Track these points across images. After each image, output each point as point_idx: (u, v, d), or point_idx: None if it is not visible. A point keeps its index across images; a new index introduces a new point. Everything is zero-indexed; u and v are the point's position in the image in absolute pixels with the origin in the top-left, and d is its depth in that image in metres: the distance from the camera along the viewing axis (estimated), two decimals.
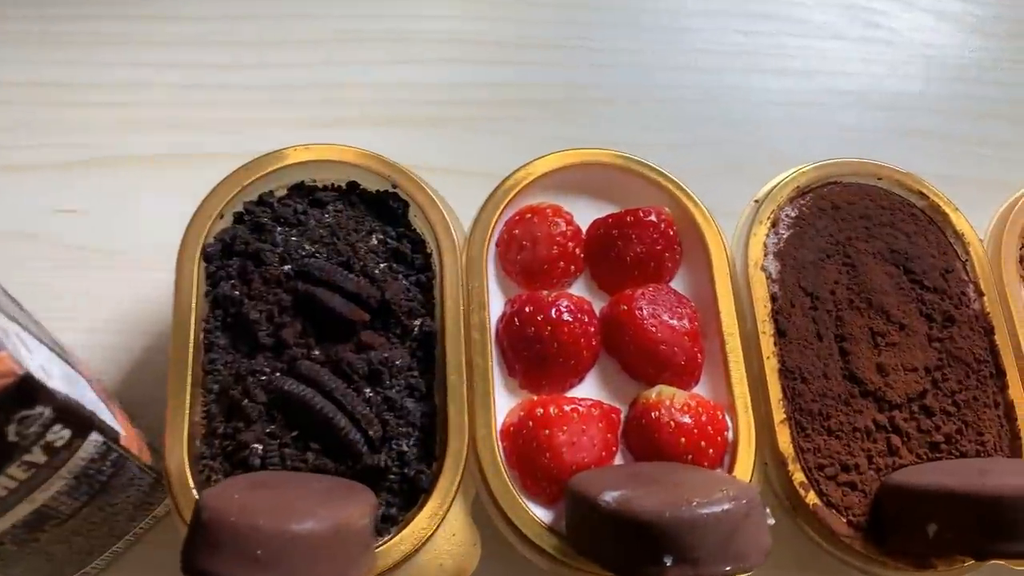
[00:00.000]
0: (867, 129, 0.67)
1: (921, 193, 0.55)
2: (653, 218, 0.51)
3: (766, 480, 0.49)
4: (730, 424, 0.49)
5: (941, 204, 0.55)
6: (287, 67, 0.66)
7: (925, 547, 0.43)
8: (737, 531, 0.37)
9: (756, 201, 0.54)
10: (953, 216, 0.55)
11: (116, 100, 0.64)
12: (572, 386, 0.50)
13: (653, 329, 0.48)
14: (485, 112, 0.65)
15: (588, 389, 0.50)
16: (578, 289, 0.52)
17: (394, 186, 0.52)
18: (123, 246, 0.57)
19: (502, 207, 0.52)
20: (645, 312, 0.49)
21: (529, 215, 0.51)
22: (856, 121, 0.68)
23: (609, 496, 0.39)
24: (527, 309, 0.49)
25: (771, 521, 0.39)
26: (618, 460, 0.48)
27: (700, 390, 0.50)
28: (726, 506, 0.37)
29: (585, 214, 0.53)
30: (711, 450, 0.47)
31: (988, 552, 0.40)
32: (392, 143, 0.55)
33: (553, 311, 0.48)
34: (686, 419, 0.47)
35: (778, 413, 0.49)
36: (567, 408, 0.46)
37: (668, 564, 0.36)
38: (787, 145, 0.66)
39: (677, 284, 0.53)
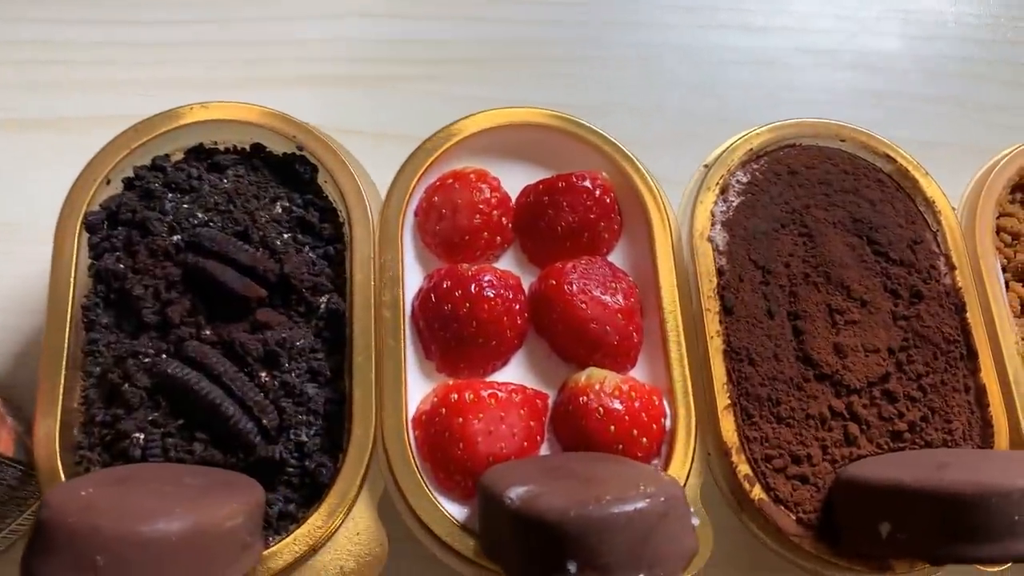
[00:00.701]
0: (839, 90, 0.63)
1: (888, 156, 0.50)
2: (588, 184, 0.46)
3: (710, 473, 0.45)
4: (668, 411, 0.44)
5: (910, 169, 0.50)
6: (196, 24, 0.61)
7: (878, 548, 0.39)
8: (653, 533, 0.33)
9: (705, 166, 0.50)
10: (923, 182, 0.50)
11: (10, 58, 0.59)
12: (495, 369, 0.45)
13: (583, 306, 0.44)
14: (412, 70, 0.60)
15: (514, 372, 0.45)
16: (506, 263, 0.48)
17: (300, 148, 0.47)
18: (12, 218, 0.53)
19: (421, 171, 0.47)
20: (575, 287, 0.44)
21: (451, 180, 0.47)
22: (826, 81, 0.63)
23: (514, 492, 0.35)
24: (445, 284, 0.44)
25: (696, 521, 0.35)
26: (544, 450, 0.44)
27: (638, 373, 0.46)
28: (640, 504, 0.33)
29: (518, 181, 0.49)
30: (644, 439, 0.43)
31: (944, 556, 0.36)
32: (307, 104, 0.51)
33: (473, 286, 0.44)
34: (617, 405, 0.42)
35: (722, 398, 0.44)
36: (484, 393, 0.42)
37: (572, 571, 0.32)
38: (751, 108, 0.61)
39: (616, 257, 0.48)
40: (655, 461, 0.44)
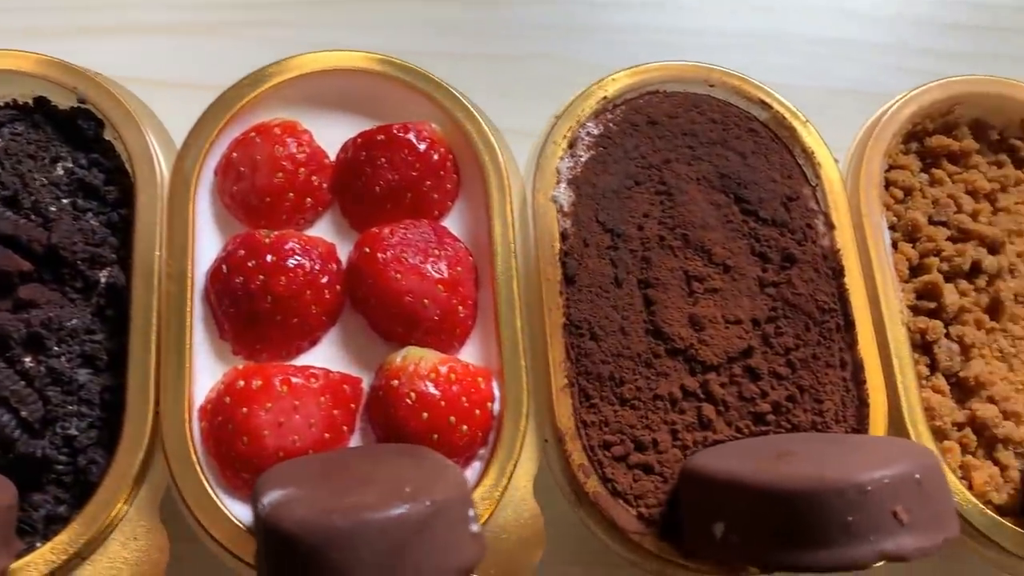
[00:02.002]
0: (729, 33, 0.57)
1: (763, 103, 0.45)
2: (411, 137, 0.41)
3: (547, 463, 0.40)
4: (498, 394, 0.39)
5: (788, 116, 0.45)
6: None
7: (712, 550, 0.34)
8: (411, 545, 0.28)
9: (556, 117, 0.44)
10: (802, 130, 0.45)
11: None
12: (301, 351, 0.40)
13: (397, 276, 0.39)
14: (240, 15, 0.54)
15: (325, 354, 0.41)
16: (323, 229, 0.43)
17: (82, 100, 0.41)
18: None
19: (221, 124, 0.42)
20: (389, 255, 0.39)
21: (253, 134, 0.41)
22: (724, 25, 0.57)
23: (268, 498, 0.30)
24: (239, 254, 0.39)
25: (475, 529, 0.30)
26: (356, 442, 0.39)
27: (469, 353, 0.41)
28: (396, 512, 0.28)
29: (343, 136, 0.43)
30: (465, 427, 0.38)
31: (774, 562, 0.31)
32: (125, 55, 0.44)
33: (269, 256, 0.39)
34: (431, 389, 0.37)
35: (558, 378, 0.39)
36: (275, 380, 0.37)
37: None
38: (638, 54, 0.54)
39: (452, 222, 0.43)
40: (481, 451, 0.39)
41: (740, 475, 0.33)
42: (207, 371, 0.39)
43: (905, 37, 0.58)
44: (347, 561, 0.27)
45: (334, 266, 0.40)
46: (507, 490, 0.38)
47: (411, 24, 0.56)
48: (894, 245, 0.44)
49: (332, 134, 0.43)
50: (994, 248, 0.45)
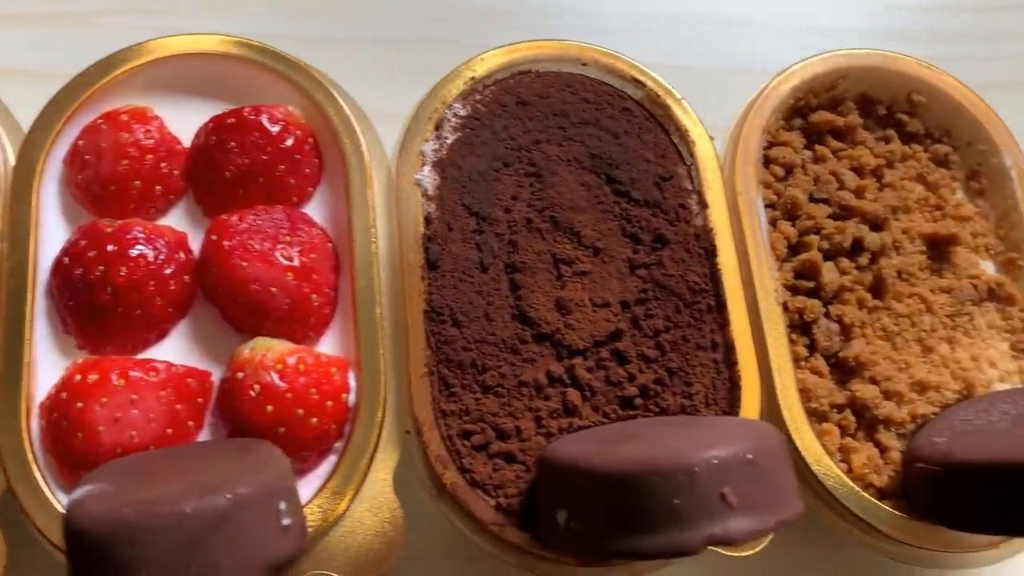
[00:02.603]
0: (612, 15, 0.55)
1: (637, 81, 0.44)
2: (263, 120, 0.40)
3: (410, 455, 0.39)
4: (354, 385, 0.38)
5: (662, 94, 0.44)
6: None
7: (558, 539, 0.33)
8: (205, 541, 0.27)
9: (423, 99, 0.43)
10: (676, 109, 0.44)
11: None
12: (149, 344, 0.39)
13: (243, 264, 0.37)
14: (89, 5, 0.52)
15: (175, 347, 0.40)
16: (177, 218, 0.41)
17: None
18: None
19: (69, 112, 0.41)
20: (235, 243, 0.38)
21: (100, 121, 0.40)
22: (599, 6, 0.56)
23: (76, 494, 0.29)
24: (81, 244, 0.38)
25: (286, 522, 0.29)
26: (206, 437, 0.38)
27: (329, 343, 0.40)
28: (188, 507, 0.26)
29: (202, 122, 0.42)
30: (315, 419, 0.36)
31: (607, 550, 0.30)
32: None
33: (110, 246, 0.37)
34: (276, 380, 0.36)
35: (418, 366, 0.38)
36: (112, 374, 0.36)
37: None
38: (522, 31, 0.53)
39: (315, 208, 0.42)
40: (337, 444, 0.37)
41: (576, 460, 0.32)
42: (51, 367, 0.38)
43: (805, 15, 0.57)
44: (138, 556, 0.26)
45: (182, 255, 0.39)
46: (364, 484, 0.37)
47: (294, 9, 0.55)
48: (773, 224, 0.43)
49: (191, 120, 0.42)
50: (877, 225, 0.44)
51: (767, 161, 0.45)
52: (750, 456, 0.29)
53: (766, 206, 0.44)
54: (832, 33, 0.54)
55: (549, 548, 0.36)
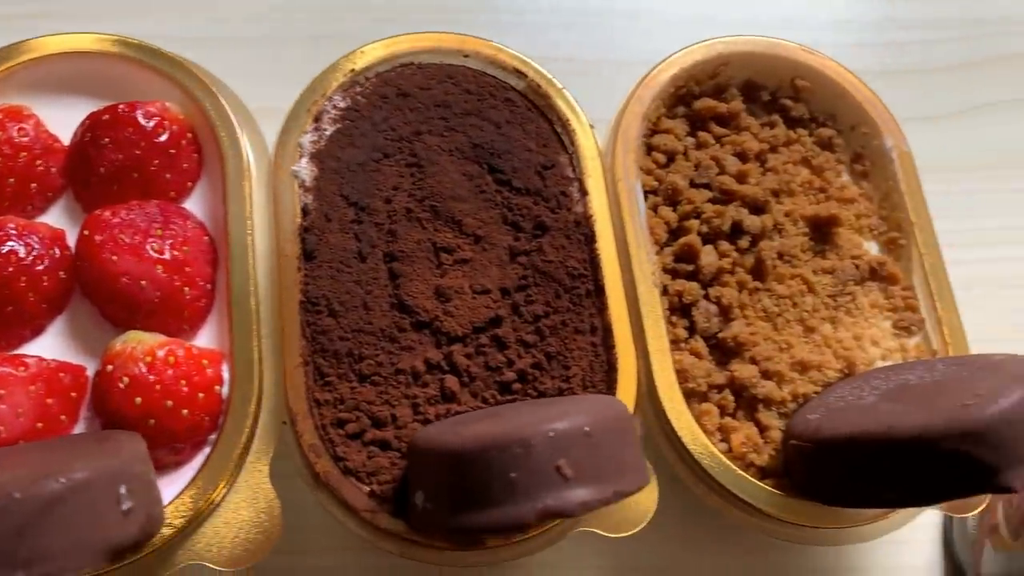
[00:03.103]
0: (499, 8, 0.56)
1: (519, 72, 0.45)
2: (137, 115, 0.40)
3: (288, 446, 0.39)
4: (227, 376, 0.38)
5: (543, 84, 0.44)
6: None
7: (417, 520, 0.33)
8: (33, 525, 0.26)
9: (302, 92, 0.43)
10: (558, 99, 0.44)
11: None
12: (24, 340, 0.39)
13: (113, 258, 0.38)
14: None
15: (52, 343, 0.40)
16: (57, 216, 0.42)
17: None
18: None
19: None
20: (105, 237, 0.38)
21: None
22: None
23: None
24: None
25: (126, 506, 0.29)
26: (80, 431, 0.37)
27: (207, 335, 0.40)
28: (15, 491, 0.26)
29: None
30: (185, 411, 0.37)
31: (453, 526, 0.30)
32: None
33: None
34: (144, 373, 0.36)
35: (292, 357, 0.38)
36: None
37: None
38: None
39: (195, 203, 0.42)
40: (211, 436, 0.38)
41: (428, 441, 0.32)
42: None
43: (697, 5, 0.58)
44: None
45: (58, 252, 0.39)
46: (240, 475, 0.37)
47: (188, 8, 0.55)
48: (655, 209, 0.44)
49: (73, 119, 0.42)
50: (759, 208, 0.44)
51: (650, 149, 0.45)
52: (587, 429, 0.29)
53: (649, 192, 0.44)
54: (726, 24, 0.55)
55: (420, 533, 0.36)
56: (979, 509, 0.41)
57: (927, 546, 0.48)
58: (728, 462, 0.39)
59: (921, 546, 0.48)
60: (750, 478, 0.39)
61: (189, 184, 0.42)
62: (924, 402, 0.35)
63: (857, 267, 0.44)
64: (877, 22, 0.60)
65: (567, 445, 0.28)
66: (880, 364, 0.43)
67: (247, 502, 0.38)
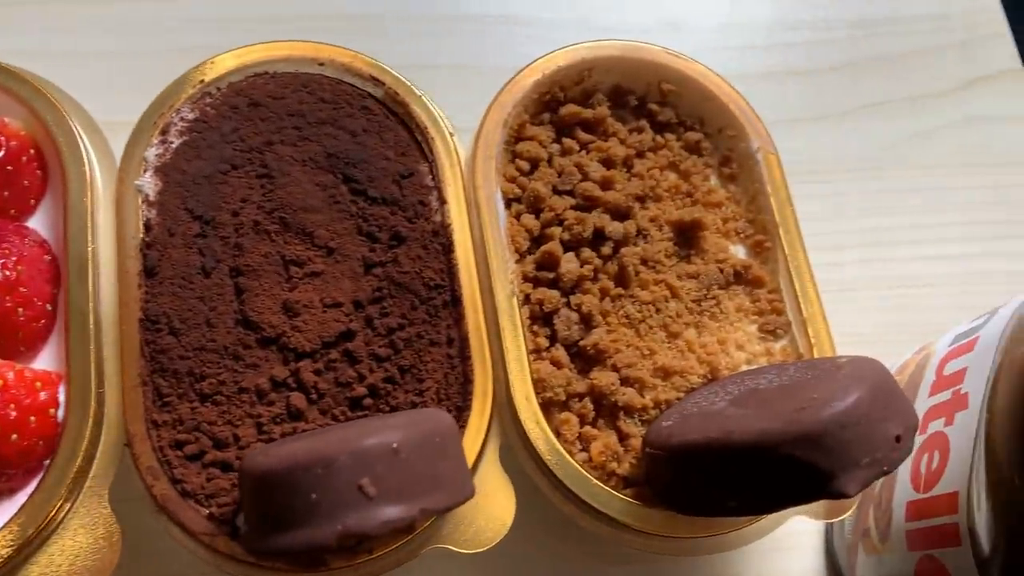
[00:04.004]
0: (354, 16, 0.55)
1: (376, 80, 0.44)
2: None
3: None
4: (63, 399, 0.37)
5: (401, 92, 0.44)
6: None
7: (243, 545, 0.32)
8: None
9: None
10: (416, 106, 0.44)
11: None
12: None
13: None
14: None
15: None
16: None
17: None
18: None
19: None
20: None
21: None
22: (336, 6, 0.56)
23: None
24: None
25: None
26: None
27: (49, 357, 0.39)
28: None
29: None
30: (15, 435, 0.36)
31: (261, 548, 0.29)
32: None
33: None
34: None
35: (131, 377, 0.37)
36: None
37: None
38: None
39: (40, 221, 0.41)
40: (47, 460, 0.36)
41: (244, 461, 0.31)
42: None
43: (579, 11, 0.58)
44: None
45: None
46: (78, 499, 0.36)
47: (35, 21, 0.54)
48: (518, 217, 0.43)
49: None
50: (621, 214, 0.44)
51: (514, 156, 0.45)
52: (395, 445, 0.28)
53: (512, 200, 0.44)
54: (608, 30, 0.54)
55: (256, 556, 0.35)
56: (848, 513, 0.41)
57: (810, 552, 0.48)
58: (583, 471, 0.39)
59: (804, 552, 0.48)
60: (605, 487, 0.38)
61: (32, 201, 0.41)
62: (766, 407, 0.35)
63: (722, 271, 0.44)
64: (765, 25, 0.60)
65: (371, 462, 0.28)
66: (745, 368, 0.42)
67: (85, 528, 0.36)
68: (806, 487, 0.32)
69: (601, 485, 0.38)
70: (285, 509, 0.28)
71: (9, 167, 0.40)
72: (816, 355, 0.42)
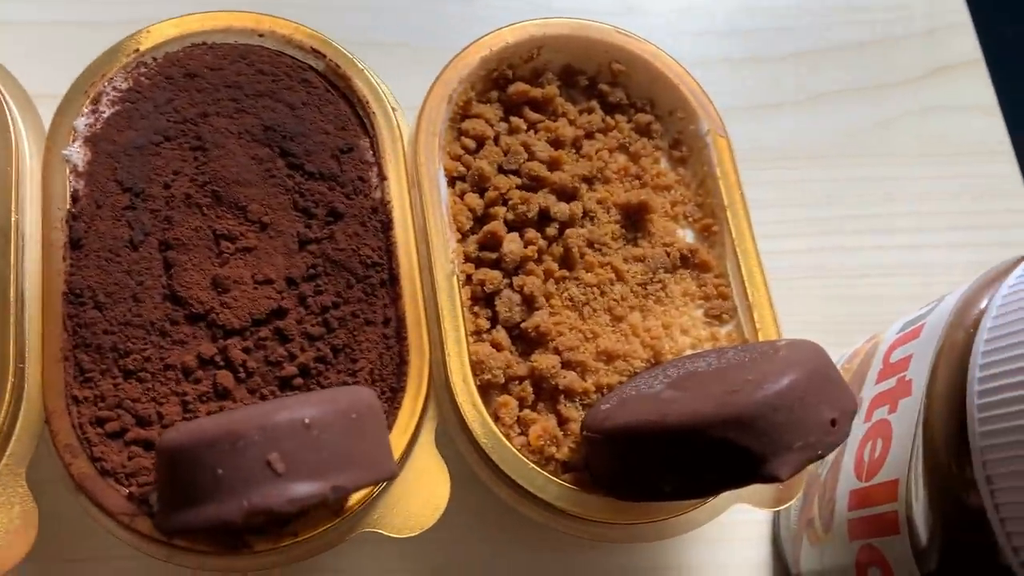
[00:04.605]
0: None
1: (316, 52, 0.43)
2: None
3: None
4: None
5: (343, 65, 0.43)
6: None
7: (155, 524, 0.31)
8: None
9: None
10: (358, 79, 0.43)
11: None
12: None
13: None
14: None
15: None
16: None
17: None
18: None
19: None
20: None
21: None
22: None
23: None
24: None
25: None
26: None
27: None
28: None
29: None
30: None
31: (169, 527, 0.28)
32: None
33: None
34: None
35: (52, 351, 0.36)
36: None
37: None
38: None
39: None
40: None
41: (159, 439, 0.30)
42: None
43: None
44: None
45: None
46: None
47: None
48: (462, 196, 0.42)
49: None
50: (568, 195, 0.43)
51: (460, 134, 0.44)
52: (307, 420, 0.27)
53: (457, 178, 0.43)
54: (564, 12, 0.54)
55: (165, 534, 0.34)
56: (792, 501, 0.40)
57: (757, 543, 0.48)
58: (520, 456, 0.38)
59: (751, 543, 0.47)
60: (542, 472, 0.38)
61: None
62: (701, 389, 0.34)
63: (668, 255, 0.43)
64: (725, 10, 0.59)
65: (280, 437, 0.27)
66: (689, 352, 0.42)
67: (1, 507, 0.35)
68: (738, 470, 0.32)
69: (538, 470, 0.38)
70: (191, 485, 0.27)
71: None
72: (761, 340, 0.42)
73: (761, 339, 0.42)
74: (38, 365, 0.37)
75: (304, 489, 0.26)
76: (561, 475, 0.38)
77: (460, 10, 0.56)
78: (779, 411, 0.31)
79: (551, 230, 0.42)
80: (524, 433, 0.39)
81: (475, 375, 0.39)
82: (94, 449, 0.35)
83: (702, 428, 0.32)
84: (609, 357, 0.41)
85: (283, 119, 0.41)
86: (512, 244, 0.41)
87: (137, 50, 0.41)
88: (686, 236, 0.44)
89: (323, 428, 0.27)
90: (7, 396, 0.35)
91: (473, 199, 0.42)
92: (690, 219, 0.45)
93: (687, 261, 0.43)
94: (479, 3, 0.56)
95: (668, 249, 0.43)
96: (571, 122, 0.45)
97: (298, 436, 0.27)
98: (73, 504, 0.36)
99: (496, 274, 0.41)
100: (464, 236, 0.42)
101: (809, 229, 0.54)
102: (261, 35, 0.43)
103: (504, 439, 0.38)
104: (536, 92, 0.45)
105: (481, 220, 0.42)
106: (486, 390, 0.39)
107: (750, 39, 0.59)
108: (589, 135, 0.45)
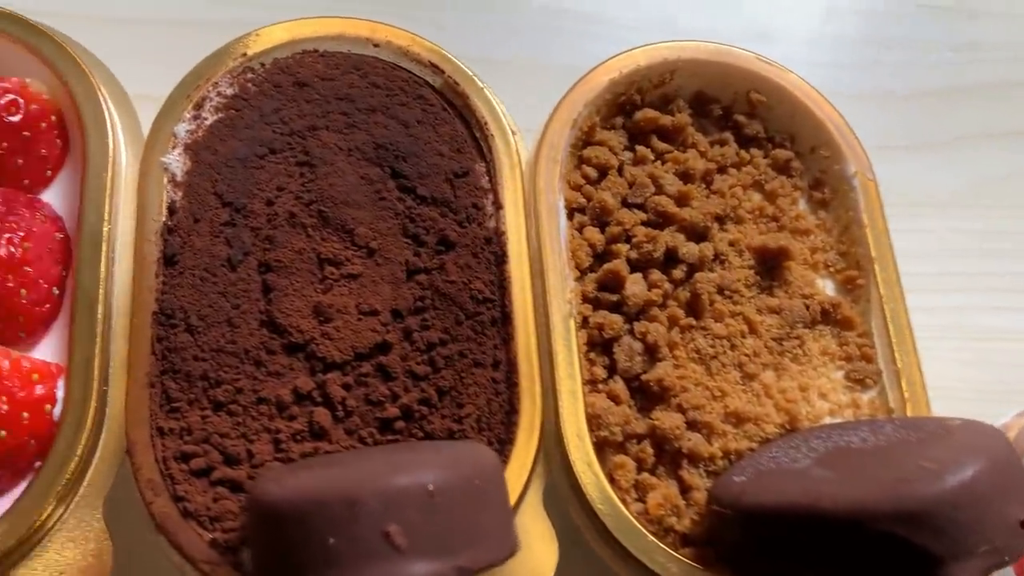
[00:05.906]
0: (456, 6, 0.51)
1: (435, 67, 0.40)
2: None
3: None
4: (61, 396, 0.33)
5: (461, 82, 0.39)
6: None
7: None
8: None
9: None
10: (477, 99, 0.40)
11: None
12: None
13: None
14: None
15: None
16: None
17: None
18: None
19: None
20: None
21: None
22: None
23: None
24: None
25: None
26: None
27: (50, 346, 0.35)
28: None
29: None
30: (5, 432, 0.32)
31: None
32: None
33: None
34: None
35: (138, 376, 0.33)
36: None
37: None
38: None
39: (54, 195, 0.38)
40: (38, 463, 0.32)
41: (253, 488, 0.27)
42: None
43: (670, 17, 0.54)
44: None
45: None
46: (68, 508, 0.32)
47: None
48: (581, 229, 0.39)
49: None
50: (698, 235, 0.39)
51: (581, 162, 0.40)
52: (431, 487, 0.24)
53: (576, 210, 0.40)
54: (691, 34, 0.50)
55: None
56: None
57: None
58: (639, 525, 0.34)
59: None
60: (661, 544, 0.34)
61: (48, 172, 0.37)
62: (861, 472, 0.30)
63: (808, 308, 0.39)
64: (856, 41, 0.55)
65: (402, 507, 0.23)
66: (828, 420, 0.38)
67: (74, 541, 0.33)
68: (908, 572, 0.28)
69: (657, 542, 0.34)
70: (295, 551, 0.23)
71: (26, 132, 0.36)
72: (910, 411, 0.37)
73: (910, 411, 0.37)
74: (122, 390, 0.34)
75: (426, 569, 0.23)
76: (680, 549, 0.34)
77: (581, 28, 0.52)
78: (960, 509, 0.27)
79: (678, 272, 0.38)
80: (641, 499, 0.35)
81: (591, 431, 0.35)
82: (177, 488, 0.32)
83: (866, 519, 0.28)
84: (739, 419, 0.37)
85: (396, 137, 0.38)
86: (635, 286, 0.38)
87: (245, 54, 0.39)
88: (826, 287, 0.40)
89: (447, 496, 0.24)
90: (88, 422, 0.33)
91: (593, 234, 0.39)
92: (831, 269, 0.41)
93: (828, 316, 0.39)
94: (602, 23, 0.52)
95: (807, 301, 0.39)
96: (702, 154, 0.41)
97: (420, 505, 0.23)
98: (150, 542, 0.33)
99: (616, 318, 0.37)
100: (583, 274, 0.38)
101: (937, 285, 0.49)
102: (376, 45, 0.40)
103: (621, 505, 0.34)
104: (666, 120, 0.41)
105: (601, 257, 0.39)
106: (600, 448, 0.35)
107: (884, 74, 0.54)
108: (722, 169, 0.41)
